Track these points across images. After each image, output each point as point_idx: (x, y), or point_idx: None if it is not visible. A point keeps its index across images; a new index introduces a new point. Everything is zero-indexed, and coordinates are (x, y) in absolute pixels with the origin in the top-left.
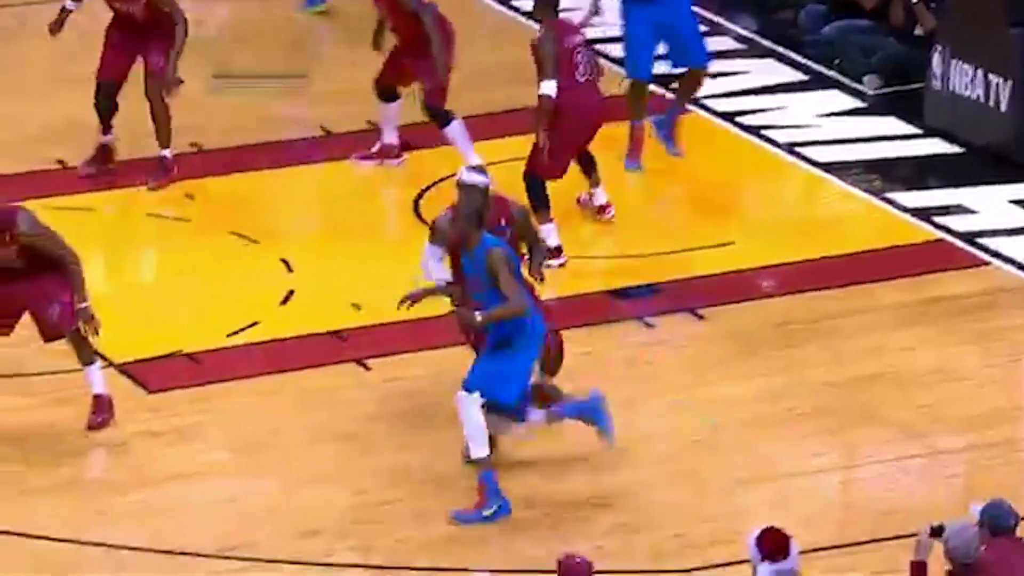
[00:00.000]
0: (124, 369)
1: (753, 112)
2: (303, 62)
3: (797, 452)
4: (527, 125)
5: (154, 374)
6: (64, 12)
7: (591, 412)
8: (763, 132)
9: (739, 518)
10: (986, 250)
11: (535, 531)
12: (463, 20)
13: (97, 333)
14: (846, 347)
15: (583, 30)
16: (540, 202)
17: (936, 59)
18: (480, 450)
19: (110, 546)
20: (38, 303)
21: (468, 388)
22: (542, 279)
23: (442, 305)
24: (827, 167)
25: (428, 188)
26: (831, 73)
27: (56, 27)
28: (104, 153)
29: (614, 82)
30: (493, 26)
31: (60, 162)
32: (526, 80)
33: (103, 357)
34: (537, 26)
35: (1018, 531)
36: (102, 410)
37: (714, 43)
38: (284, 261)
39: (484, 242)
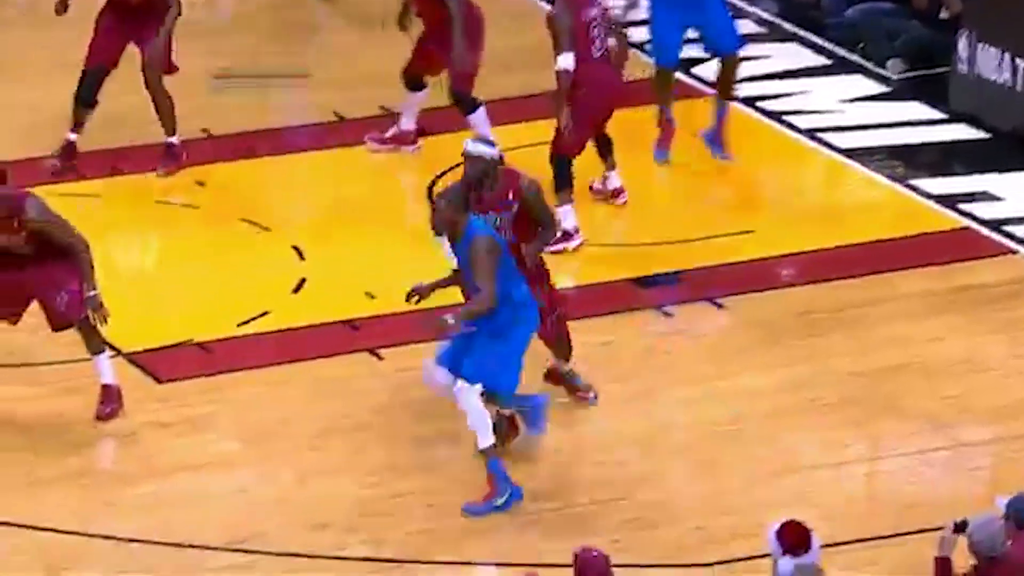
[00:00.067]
0: (133, 359)
1: (775, 97)
2: (313, 47)
3: (820, 444)
4: (546, 110)
5: (164, 364)
6: None
7: (532, 411)
8: (785, 117)
9: (760, 511)
10: (1013, 238)
11: (551, 524)
12: (481, 4)
13: (106, 322)
14: (870, 337)
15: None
16: (563, 181)
17: (962, 43)
18: (485, 439)
19: (118, 538)
20: (46, 291)
21: (469, 379)
22: (530, 264)
23: (455, 295)
24: (850, 153)
25: (443, 174)
26: (854, 57)
27: (61, 7)
28: (70, 150)
29: (639, 67)
30: (511, 10)
31: None
32: (544, 64)
33: (112, 346)
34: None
35: None
36: (111, 400)
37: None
38: (296, 249)
39: (470, 229)
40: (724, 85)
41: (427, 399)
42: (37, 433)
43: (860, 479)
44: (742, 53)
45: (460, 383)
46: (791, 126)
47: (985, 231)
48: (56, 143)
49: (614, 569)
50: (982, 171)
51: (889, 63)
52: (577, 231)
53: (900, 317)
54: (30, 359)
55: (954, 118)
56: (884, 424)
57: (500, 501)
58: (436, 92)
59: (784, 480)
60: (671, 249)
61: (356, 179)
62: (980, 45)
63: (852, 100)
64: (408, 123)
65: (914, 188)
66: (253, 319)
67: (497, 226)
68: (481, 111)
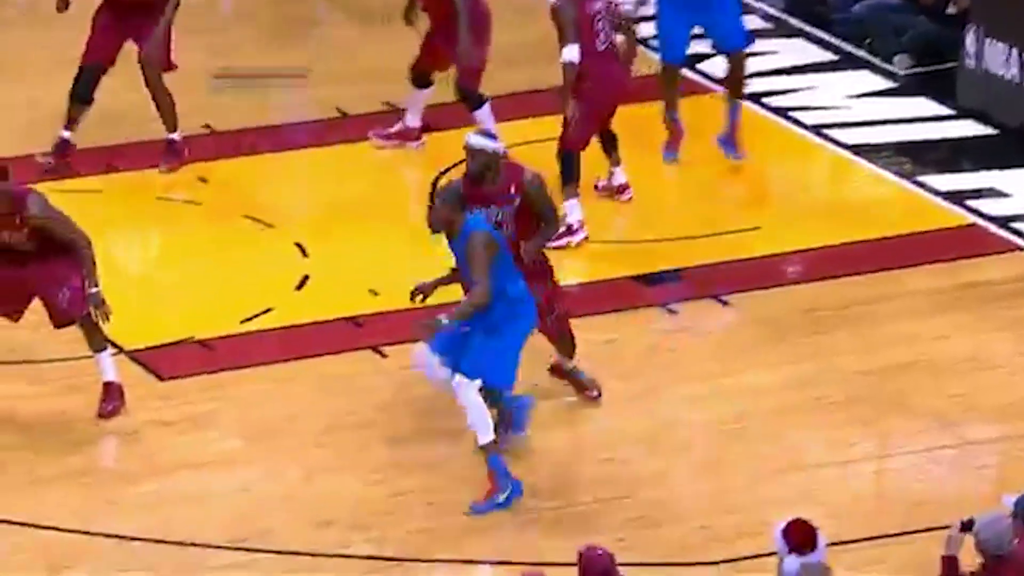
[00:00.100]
0: (135, 356)
1: (781, 93)
2: (314, 42)
3: (826, 442)
4: (551, 106)
5: (166, 361)
6: None
7: (517, 411)
8: (791, 113)
9: (766, 509)
10: (1020, 235)
11: (555, 522)
12: None
13: (108, 319)
14: (876, 334)
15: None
16: (569, 176)
17: (970, 38)
18: (485, 435)
19: (120, 537)
20: (48, 288)
21: (467, 375)
22: (528, 260)
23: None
24: (857, 149)
25: (447, 170)
26: (861, 53)
27: (63, 5)
28: (64, 148)
29: (644, 63)
30: (515, 4)
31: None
32: (549, 59)
33: (114, 344)
34: None
35: None
36: (113, 398)
37: None
38: (299, 245)
39: (467, 226)
40: (733, 83)
41: (431, 396)
42: (38, 431)
43: (866, 477)
44: (748, 50)
45: (458, 378)
46: (797, 122)
47: (992, 228)
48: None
49: (619, 568)
50: (990, 167)
51: (896, 59)
52: (582, 226)
53: (906, 314)
54: (31, 356)
55: (962, 114)
56: (890, 422)
57: (502, 497)
58: (441, 87)
59: (790, 478)
60: (675, 246)
61: (359, 175)
62: (988, 40)
63: (859, 96)
64: (414, 120)
65: (921, 184)
66: (256, 316)
67: (499, 220)
68: (487, 107)
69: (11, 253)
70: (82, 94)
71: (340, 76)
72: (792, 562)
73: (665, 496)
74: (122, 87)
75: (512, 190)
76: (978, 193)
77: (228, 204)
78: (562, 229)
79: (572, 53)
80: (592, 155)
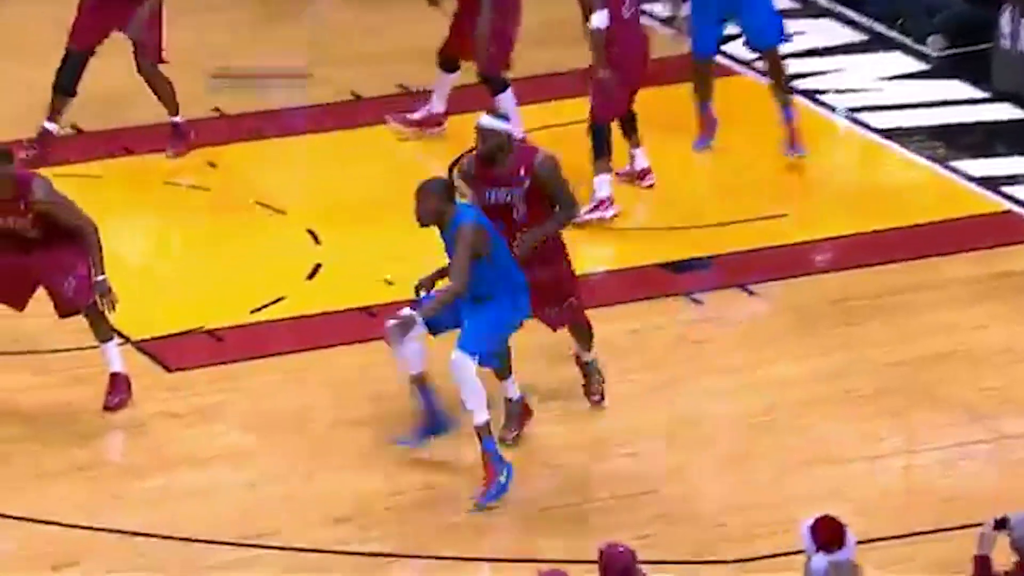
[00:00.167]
0: (142, 347)
1: (810, 75)
2: (329, 23)
3: (855, 436)
4: (573, 88)
5: (174, 352)
6: None
7: (438, 423)
8: (820, 97)
9: (792, 506)
10: None
11: (575, 519)
12: None
13: (114, 308)
14: (909, 325)
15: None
16: (600, 150)
17: (1005, 18)
18: (481, 415)
19: (126, 532)
20: (53, 276)
21: (469, 351)
22: (521, 253)
23: None
24: (888, 134)
25: (464, 155)
26: (893, 34)
27: None
28: (47, 139)
29: (669, 44)
30: None
31: (74, 127)
32: (572, 40)
33: (120, 334)
34: None
35: None
36: (119, 390)
37: None
38: (311, 233)
39: (458, 217)
40: (776, 82)
41: (445, 389)
42: (43, 424)
43: (897, 472)
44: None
45: (456, 355)
46: (827, 106)
47: None
48: (66, 122)
49: (640, 565)
50: None
51: (929, 39)
52: (612, 202)
53: (940, 304)
54: (36, 347)
55: (997, 97)
56: (922, 416)
57: (503, 478)
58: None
59: (817, 473)
60: (701, 233)
61: (374, 160)
62: None
63: (890, 78)
64: (439, 105)
65: (955, 170)
66: (266, 306)
67: (508, 202)
68: (509, 92)
69: (15, 240)
70: (66, 85)
71: (354, 57)
72: (820, 560)
73: (688, 492)
74: (128, 69)
75: (522, 172)
76: (1014, 179)
77: (237, 190)
78: (592, 204)
79: (601, 19)
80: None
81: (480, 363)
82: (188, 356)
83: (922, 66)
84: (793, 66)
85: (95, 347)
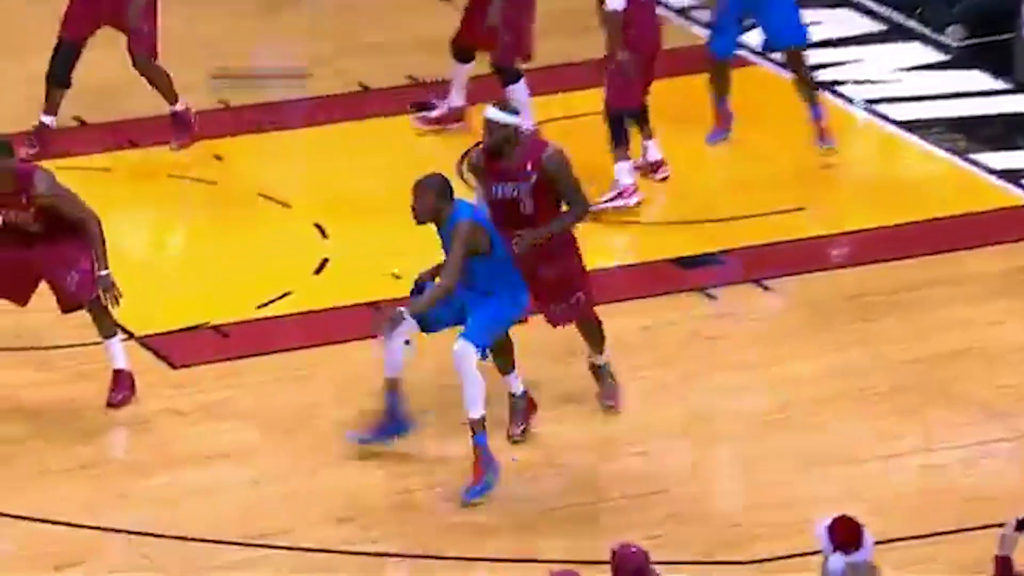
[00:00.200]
0: (147, 342)
1: (827, 66)
2: (338, 14)
3: (872, 434)
4: (583, 79)
5: (179, 348)
6: None
7: (397, 426)
8: (837, 88)
9: (807, 506)
10: None
11: (587, 519)
12: None
13: (118, 303)
14: (927, 321)
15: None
16: (618, 138)
17: None
18: (476, 410)
19: (131, 532)
20: (56, 270)
21: (473, 343)
22: (520, 249)
23: None
24: (907, 126)
25: (473, 148)
26: (912, 23)
27: None
28: (45, 134)
29: (681, 35)
30: None
31: (77, 119)
32: (580, 30)
33: (124, 329)
34: None
35: None
36: (123, 386)
37: None
38: (318, 227)
39: (456, 214)
40: (801, 80)
41: (455, 387)
42: (46, 421)
43: (914, 472)
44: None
45: (460, 345)
46: (845, 97)
47: None
48: (69, 114)
49: (653, 566)
50: None
51: (949, 29)
52: (636, 189)
53: (958, 300)
54: (38, 343)
55: (1018, 88)
56: (939, 414)
57: (492, 476)
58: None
59: (833, 473)
60: (715, 227)
61: (382, 152)
62: None
63: (909, 69)
64: (458, 99)
65: (975, 163)
66: (273, 301)
67: (515, 197)
68: (522, 83)
69: (17, 234)
70: (59, 75)
71: (362, 48)
72: (837, 561)
73: (701, 491)
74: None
75: (529, 167)
76: None
77: (243, 183)
78: (613, 191)
79: (617, 2)
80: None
81: (482, 356)
82: (193, 352)
83: (942, 56)
84: (810, 57)
85: (98, 343)
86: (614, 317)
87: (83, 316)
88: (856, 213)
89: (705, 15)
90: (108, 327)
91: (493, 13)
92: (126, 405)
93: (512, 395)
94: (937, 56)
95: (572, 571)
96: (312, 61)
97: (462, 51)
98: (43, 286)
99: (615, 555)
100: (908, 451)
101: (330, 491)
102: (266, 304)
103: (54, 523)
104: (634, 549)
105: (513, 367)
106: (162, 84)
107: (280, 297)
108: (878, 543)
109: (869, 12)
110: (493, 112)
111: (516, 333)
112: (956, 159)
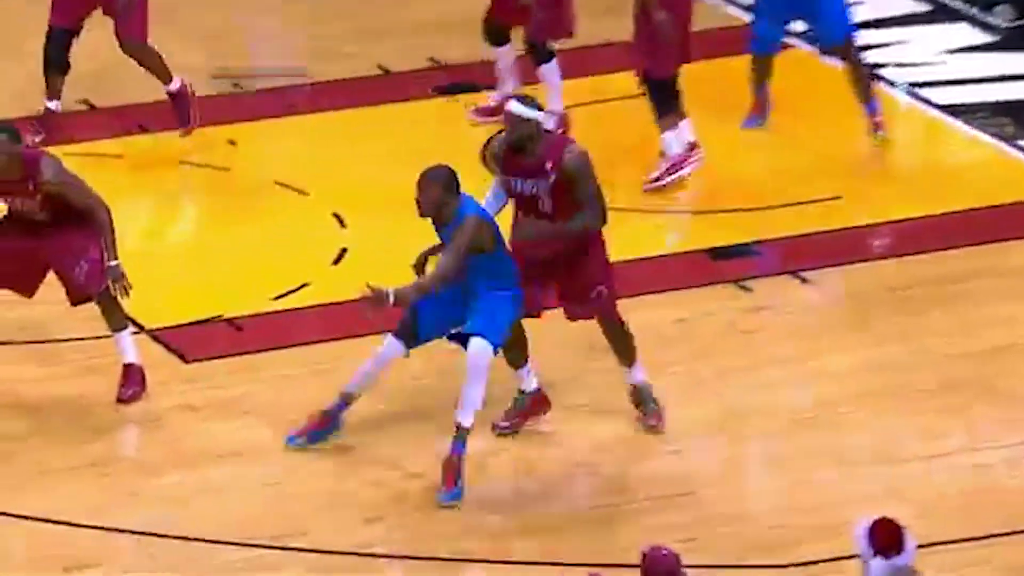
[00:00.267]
0: (158, 336)
1: (868, 48)
2: None
3: (915, 432)
4: (609, 62)
5: (191, 341)
6: None
7: (332, 427)
8: (880, 71)
9: (847, 507)
10: None
11: (617, 521)
12: None
13: (128, 294)
14: (971, 314)
15: None
16: (664, 105)
17: None
18: (470, 417)
19: (141, 533)
20: (64, 261)
21: (492, 342)
22: (517, 236)
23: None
24: (952, 110)
25: (494, 136)
26: (958, 4)
27: None
28: (51, 120)
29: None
30: None
31: (86, 102)
32: (599, 13)
33: (135, 322)
34: None
35: None
36: (133, 381)
37: None
38: (336, 215)
39: (462, 209)
40: (854, 76)
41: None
42: (53, 417)
43: (960, 472)
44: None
45: (478, 342)
46: (887, 80)
47: None
48: (75, 97)
49: (685, 569)
50: None
51: (996, 9)
52: (695, 146)
53: (1005, 293)
54: (45, 336)
55: None
56: (985, 411)
57: (459, 487)
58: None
59: (874, 473)
60: (750, 216)
61: (403, 138)
62: None
63: (955, 51)
64: (509, 84)
65: (1022, 149)
66: (289, 293)
67: (535, 194)
68: (554, 63)
69: (23, 223)
70: (55, 61)
71: (382, 30)
72: (878, 565)
73: (736, 491)
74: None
75: (549, 166)
76: None
77: (258, 169)
78: (665, 165)
79: None
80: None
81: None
82: (206, 346)
83: (988, 38)
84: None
85: (108, 336)
86: (646, 309)
87: (92, 308)
88: (898, 202)
89: None
90: (118, 320)
91: None
92: (136, 401)
93: (520, 391)
94: (984, 37)
95: (598, 573)
96: (331, 43)
97: (495, 33)
98: (50, 277)
99: (645, 558)
100: (952, 450)
101: (350, 492)
102: (282, 296)
103: (61, 524)
104: (665, 552)
105: (527, 361)
106: (154, 64)
107: (297, 289)
108: (921, 546)
109: None
110: (516, 106)
111: (546, 327)
112: (1003, 145)
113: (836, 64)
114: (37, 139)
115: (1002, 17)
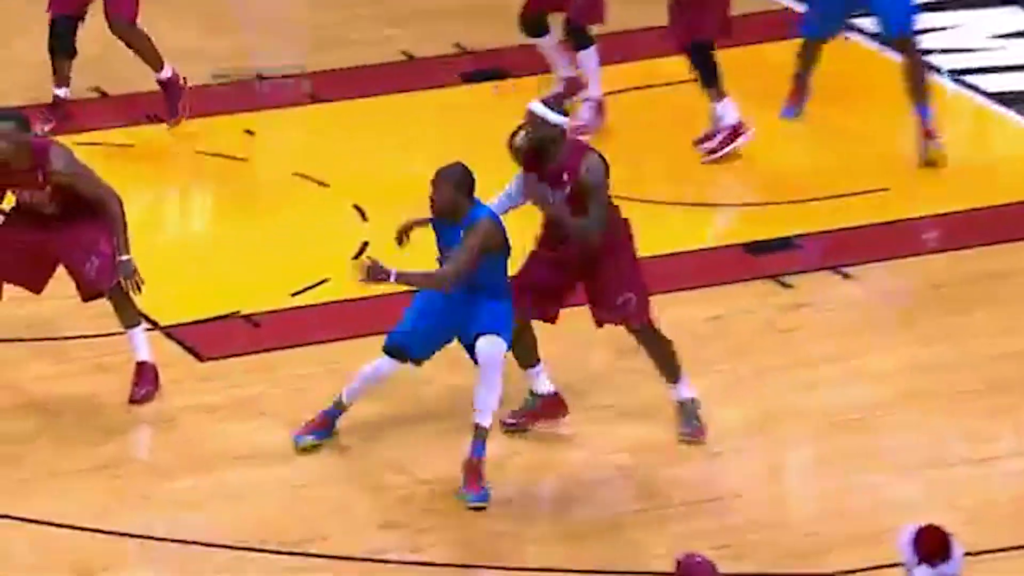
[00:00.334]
0: (172, 333)
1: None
2: None
3: (962, 435)
4: (640, 49)
5: (207, 339)
6: None
7: (328, 430)
8: (927, 57)
9: (889, 513)
10: None
11: (649, 526)
12: None
13: (141, 290)
14: (1020, 313)
15: None
16: (709, 74)
17: None
18: (489, 417)
19: (154, 538)
20: (74, 255)
21: (505, 339)
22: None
23: None
24: (1002, 99)
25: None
26: None
27: None
28: (60, 107)
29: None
30: None
31: (97, 89)
32: None
33: (148, 319)
34: None
35: None
36: (146, 380)
37: None
38: (357, 208)
39: (475, 211)
40: (910, 76)
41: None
42: (62, 418)
43: (1010, 477)
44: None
45: (487, 340)
46: (934, 67)
47: None
48: (86, 85)
49: None
50: None
51: None
52: (742, 124)
53: None
54: (55, 333)
55: None
56: None
57: (486, 489)
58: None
59: (919, 477)
60: (790, 210)
61: (427, 127)
62: None
63: (1006, 36)
64: (565, 70)
65: None
66: (308, 288)
67: (552, 202)
68: (593, 49)
69: (32, 216)
70: (62, 46)
71: (406, 15)
72: (923, 573)
73: (774, 496)
74: (149, 30)
75: (566, 177)
76: None
77: (277, 160)
78: (719, 138)
79: None
80: (687, 109)
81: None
82: (222, 344)
83: None
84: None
85: (120, 333)
86: (681, 306)
87: (103, 304)
88: (944, 195)
89: None
90: (130, 316)
91: None
92: (149, 401)
93: (531, 391)
94: None
95: (701, 556)
96: (352, 28)
97: (532, 24)
98: (59, 271)
99: (679, 565)
100: (1002, 454)
101: (371, 495)
102: (301, 292)
103: (71, 527)
104: (699, 559)
105: (538, 361)
106: (145, 49)
107: (316, 284)
108: (968, 554)
109: None
110: (539, 107)
111: (572, 327)
112: None
113: (893, 57)
114: (47, 128)
115: None
